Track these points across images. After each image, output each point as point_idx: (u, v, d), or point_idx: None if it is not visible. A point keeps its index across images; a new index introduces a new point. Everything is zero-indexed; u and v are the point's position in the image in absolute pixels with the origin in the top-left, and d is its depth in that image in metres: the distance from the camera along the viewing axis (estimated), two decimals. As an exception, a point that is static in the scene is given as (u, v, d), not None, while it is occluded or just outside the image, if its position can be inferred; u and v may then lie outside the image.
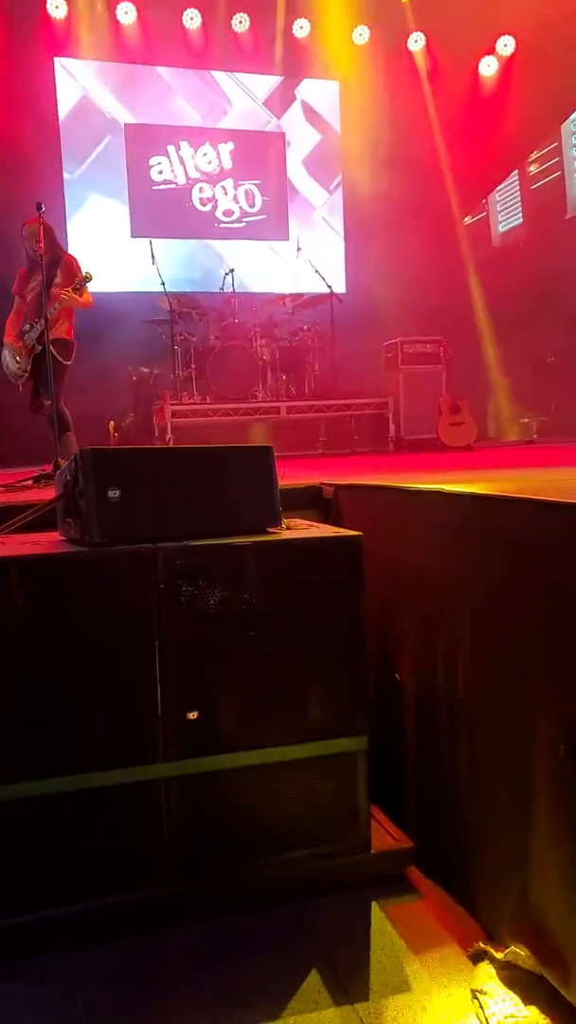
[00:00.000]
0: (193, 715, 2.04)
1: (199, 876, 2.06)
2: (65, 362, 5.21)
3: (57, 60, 8.53)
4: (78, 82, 8.69)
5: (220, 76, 9.11)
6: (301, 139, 9.46)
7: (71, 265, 5.22)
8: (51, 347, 4.87)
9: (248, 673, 2.10)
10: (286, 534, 2.24)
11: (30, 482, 4.44)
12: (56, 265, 5.11)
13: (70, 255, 5.35)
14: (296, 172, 9.46)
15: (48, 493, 3.79)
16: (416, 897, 2.11)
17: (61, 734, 1.97)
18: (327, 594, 2.15)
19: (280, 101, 9.34)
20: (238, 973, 1.83)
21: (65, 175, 8.65)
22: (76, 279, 5.05)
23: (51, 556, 2.01)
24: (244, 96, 9.25)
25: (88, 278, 5.03)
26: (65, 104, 8.66)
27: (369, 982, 1.81)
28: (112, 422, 7.58)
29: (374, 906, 2.07)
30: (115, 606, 2.01)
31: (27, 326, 5.17)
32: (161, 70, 8.88)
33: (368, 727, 2.19)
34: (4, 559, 1.94)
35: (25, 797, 1.93)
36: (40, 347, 5.03)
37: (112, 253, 8.79)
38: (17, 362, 5.20)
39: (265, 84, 9.28)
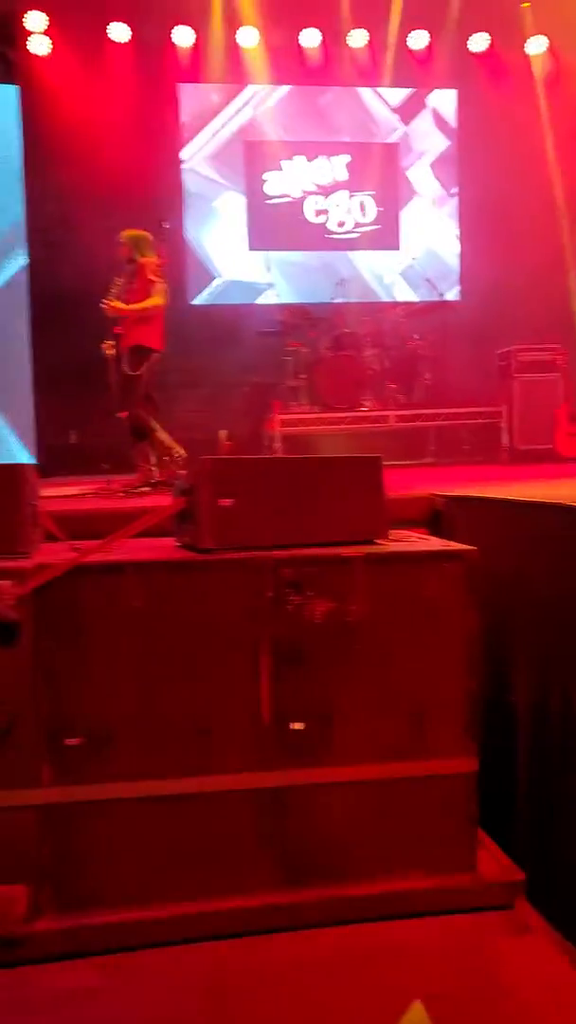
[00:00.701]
0: (298, 726, 2.05)
1: (299, 889, 2.06)
2: (131, 372, 5.04)
3: (180, 86, 8.85)
4: (199, 104, 8.99)
5: (336, 91, 9.19)
6: (416, 148, 9.41)
7: (139, 270, 5.06)
8: (124, 355, 4.93)
9: (353, 686, 2.09)
10: (395, 546, 2.22)
11: (147, 488, 4.60)
12: (129, 271, 5.06)
13: (144, 261, 5.09)
14: (410, 181, 9.41)
15: (164, 500, 3.92)
16: (524, 930, 2.02)
17: (167, 735, 2.01)
18: (438, 609, 2.11)
19: (397, 111, 9.33)
20: (333, 994, 1.80)
21: (186, 193, 8.94)
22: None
23: (165, 560, 2.07)
24: (359, 109, 9.29)
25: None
26: (187, 126, 8.96)
27: (473, 1018, 1.74)
28: (224, 432, 7.74)
29: (479, 936, 2.00)
30: (224, 612, 2.05)
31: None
32: (280, 88, 9.05)
33: (477, 749, 2.13)
34: (123, 562, 2.02)
35: (135, 798, 1.99)
36: (110, 352, 5.07)
37: (231, 267, 9.01)
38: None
39: (381, 95, 9.29)
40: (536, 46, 9.01)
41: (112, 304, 4.93)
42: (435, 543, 2.32)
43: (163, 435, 5.12)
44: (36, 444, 8.00)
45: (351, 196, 9.27)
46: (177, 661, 2.02)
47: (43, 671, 1.97)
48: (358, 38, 8.83)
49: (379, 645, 2.09)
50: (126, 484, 4.84)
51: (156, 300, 4.99)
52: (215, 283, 9.06)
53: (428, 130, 9.44)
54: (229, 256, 9.08)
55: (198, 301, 8.95)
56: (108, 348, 5.06)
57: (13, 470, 2.13)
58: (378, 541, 2.22)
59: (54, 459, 7.53)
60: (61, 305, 7.56)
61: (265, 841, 2.05)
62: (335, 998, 1.78)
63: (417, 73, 9.16)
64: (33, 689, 1.97)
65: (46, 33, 8.19)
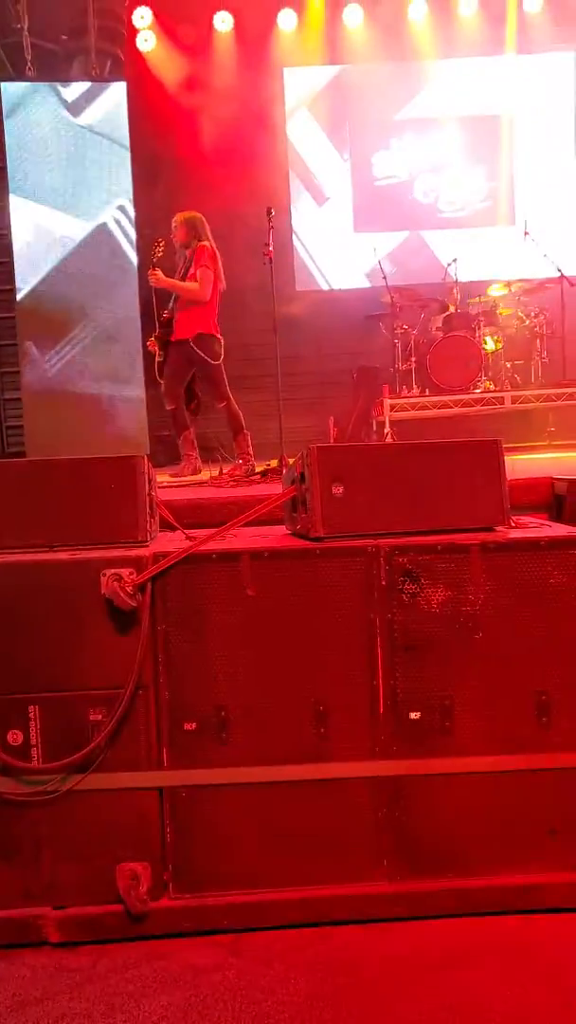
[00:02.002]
0: (415, 715, 2.01)
1: (419, 880, 2.03)
2: (213, 361, 5.02)
3: (286, 70, 8.82)
4: (304, 87, 8.93)
5: (446, 64, 8.90)
6: (531, 120, 9.00)
7: (198, 252, 5.04)
8: (194, 345, 4.93)
9: (474, 677, 2.03)
10: (515, 533, 2.13)
11: (258, 477, 4.64)
12: (191, 256, 5.05)
13: (202, 245, 5.07)
14: (524, 155, 9.01)
15: (273, 488, 3.94)
16: None
17: (282, 722, 2.02)
18: (561, 597, 2.02)
19: (509, 81, 8.94)
20: (456, 987, 1.77)
21: (291, 177, 8.93)
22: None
23: (278, 548, 2.08)
24: (471, 81, 8.96)
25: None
26: (291, 109, 8.94)
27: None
28: (332, 418, 7.72)
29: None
30: (337, 600, 2.03)
31: (165, 313, 5.17)
32: (386, 66, 8.86)
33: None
34: (237, 550, 2.03)
35: (251, 783, 2.01)
36: (167, 337, 5.08)
37: (336, 250, 8.95)
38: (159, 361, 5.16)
39: (492, 66, 8.92)
40: None
41: (155, 273, 4.96)
42: (558, 529, 2.22)
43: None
44: (148, 434, 8.23)
45: (462, 172, 8.99)
46: (291, 649, 2.03)
47: (161, 657, 2.02)
48: (469, 6, 8.52)
49: (500, 635, 2.02)
50: (230, 474, 4.90)
51: (192, 286, 4.95)
52: (321, 267, 9.03)
53: (542, 98, 9.01)
54: (336, 239, 9.01)
55: (303, 287, 8.94)
56: (151, 345, 5.14)
57: (129, 461, 2.18)
58: (498, 528, 2.14)
59: (166, 449, 7.73)
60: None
61: (383, 830, 2.03)
62: (459, 991, 1.75)
63: (530, 39, 8.74)
64: (153, 674, 2.02)
65: (151, 28, 8.36)
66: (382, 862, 2.04)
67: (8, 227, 8.07)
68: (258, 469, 4.84)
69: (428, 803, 2.04)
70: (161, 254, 5.07)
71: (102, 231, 8.17)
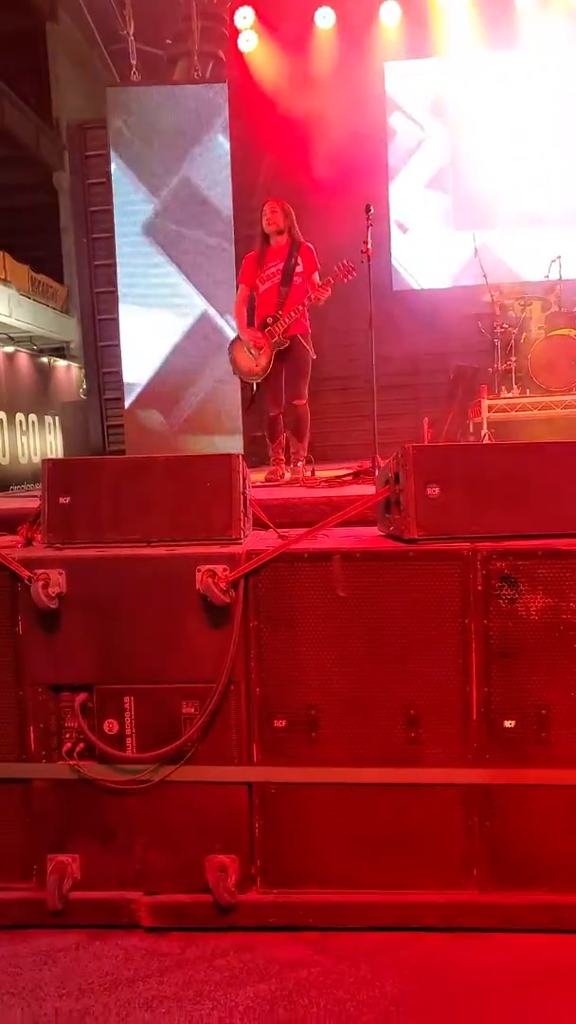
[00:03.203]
0: (510, 723, 1.96)
1: (509, 892, 1.98)
2: (314, 357, 4.94)
3: (387, 64, 8.75)
4: (407, 82, 8.83)
5: (557, 50, 8.61)
6: None
7: (311, 253, 4.92)
8: (303, 341, 4.79)
9: (572, 687, 1.96)
10: (621, 539, 2.04)
11: (350, 478, 4.62)
12: (296, 252, 4.86)
13: (307, 243, 4.96)
14: None
15: (365, 488, 3.92)
16: None
17: (372, 724, 2.01)
18: None
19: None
20: (543, 1006, 1.72)
21: (391, 174, 8.85)
22: (317, 271, 4.83)
23: (371, 550, 2.06)
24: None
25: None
26: (393, 104, 8.85)
27: None
28: (427, 419, 7.61)
29: None
30: (431, 604, 2.00)
31: (270, 319, 4.86)
32: (494, 55, 8.65)
33: None
34: (330, 550, 2.03)
35: (339, 783, 2.01)
36: (287, 342, 4.83)
37: (435, 248, 8.82)
38: (254, 357, 4.88)
39: (604, 50, 8.59)
40: None
41: (324, 290, 4.76)
42: None
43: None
44: (243, 434, 8.34)
45: (567, 168, 8.69)
46: (383, 651, 2.01)
47: (252, 653, 2.05)
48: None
49: (601, 646, 1.94)
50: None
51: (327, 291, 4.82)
52: (420, 265, 8.91)
53: None
54: (435, 237, 8.88)
55: (400, 286, 8.85)
56: (260, 343, 4.86)
57: (225, 460, 2.21)
58: (601, 533, 2.06)
59: (259, 450, 7.81)
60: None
61: (474, 838, 1.99)
62: (546, 1010, 1.69)
63: None
64: (244, 670, 2.04)
65: (253, 28, 8.46)
66: (472, 871, 2.00)
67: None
68: (349, 471, 4.82)
69: (521, 814, 1.98)
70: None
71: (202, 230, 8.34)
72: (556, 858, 1.97)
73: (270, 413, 5.07)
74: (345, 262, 4.81)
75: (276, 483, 4.81)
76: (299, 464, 5.02)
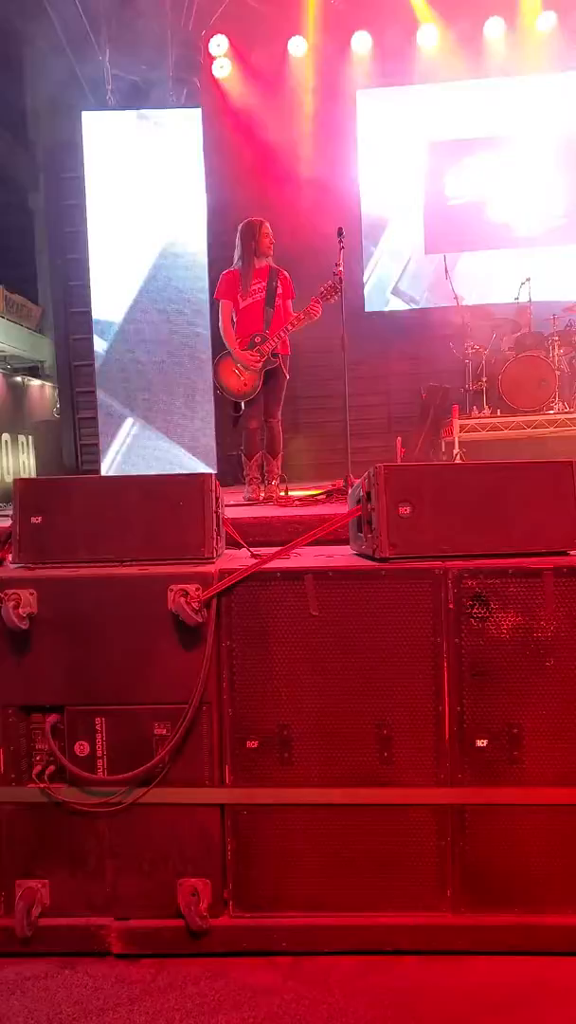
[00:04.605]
0: (482, 743, 1.96)
1: (482, 913, 1.97)
2: (288, 377, 5.03)
3: (359, 92, 8.90)
4: (379, 110, 8.99)
5: (524, 80, 8.83)
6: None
7: (289, 281, 5.02)
8: (284, 362, 4.84)
9: (544, 706, 1.97)
10: (589, 558, 2.07)
11: (323, 497, 4.64)
12: (276, 276, 4.96)
13: (283, 270, 5.07)
14: (602, 169, 8.85)
15: (338, 507, 3.94)
16: None
17: (345, 745, 2.00)
18: None
19: (586, 97, 8.81)
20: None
21: (362, 199, 8.97)
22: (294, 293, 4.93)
23: (343, 568, 2.07)
24: (550, 98, 8.87)
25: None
26: (364, 131, 9.00)
27: None
28: (400, 438, 7.68)
29: None
30: (403, 623, 2.01)
31: (258, 337, 4.88)
32: (462, 84, 8.84)
33: None
34: (302, 569, 2.04)
35: (312, 804, 2.00)
36: (276, 362, 4.87)
37: (407, 271, 8.94)
38: (241, 376, 4.89)
39: (569, 81, 8.81)
40: None
41: (317, 306, 4.81)
42: None
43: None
44: (216, 455, 8.35)
45: (537, 191, 8.87)
46: (356, 670, 2.01)
47: (225, 673, 2.03)
48: (547, 21, 8.43)
49: (573, 662, 1.96)
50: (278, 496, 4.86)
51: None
52: (391, 288, 9.02)
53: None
54: (407, 260, 9.00)
55: (373, 307, 8.95)
56: (252, 363, 4.91)
57: (198, 480, 2.21)
58: (572, 552, 2.08)
59: (233, 469, 7.82)
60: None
61: (447, 859, 1.99)
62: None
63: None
64: (216, 690, 2.03)
65: (227, 55, 8.56)
66: (446, 892, 1.99)
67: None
68: (322, 490, 4.84)
69: (495, 834, 1.98)
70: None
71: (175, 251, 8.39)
72: (529, 878, 1.97)
73: (250, 427, 5.06)
74: (331, 282, 4.88)
75: (256, 503, 4.82)
76: (273, 483, 5.03)
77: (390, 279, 9.07)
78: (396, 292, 9.05)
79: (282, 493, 4.87)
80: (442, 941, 1.95)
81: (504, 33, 8.54)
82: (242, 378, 4.93)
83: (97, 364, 8.50)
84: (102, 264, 8.44)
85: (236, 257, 5.05)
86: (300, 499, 4.64)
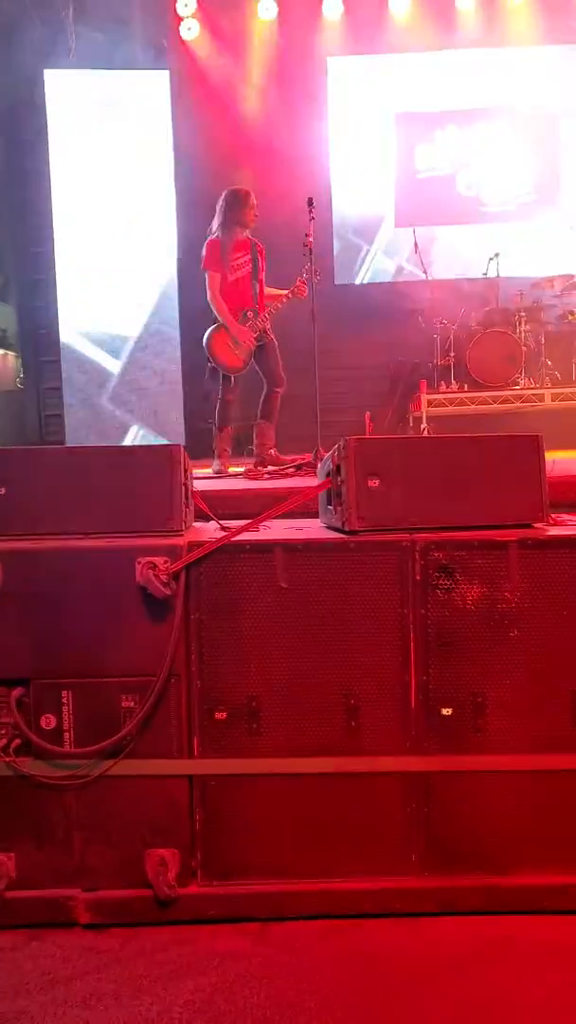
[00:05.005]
0: (448, 711, 2.00)
1: (448, 876, 2.02)
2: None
3: (329, 60, 8.75)
4: (349, 78, 8.86)
5: (494, 54, 8.75)
6: (577, 109, 8.82)
7: (262, 249, 5.02)
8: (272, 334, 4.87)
9: (508, 674, 2.01)
10: (554, 530, 2.10)
11: (292, 470, 4.64)
12: (256, 249, 4.96)
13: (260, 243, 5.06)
14: (573, 148, 8.83)
15: (308, 480, 3.94)
16: None
17: (313, 714, 2.02)
18: (601, 598, 1.99)
19: (557, 73, 8.76)
20: (481, 985, 1.76)
21: (332, 169, 8.86)
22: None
23: (312, 541, 2.07)
24: (520, 71, 8.80)
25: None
26: (335, 99, 8.87)
27: None
28: (368, 413, 7.68)
29: None
30: (371, 595, 2.02)
31: (250, 312, 4.90)
32: (433, 55, 8.74)
33: None
34: (271, 542, 2.03)
35: (280, 774, 2.02)
36: (268, 336, 4.89)
37: (376, 244, 8.88)
38: (235, 351, 4.89)
39: (540, 56, 8.76)
40: None
41: (304, 286, 4.87)
42: (597, 528, 2.18)
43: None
44: (185, 426, 8.28)
45: (507, 165, 8.85)
46: (324, 642, 2.02)
47: (193, 646, 2.03)
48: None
49: (536, 633, 2.00)
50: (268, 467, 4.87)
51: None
52: (361, 261, 8.96)
53: (591, 87, 8.82)
54: (376, 233, 8.94)
55: (342, 280, 8.89)
56: (246, 339, 4.88)
57: (166, 451, 2.19)
58: (536, 525, 2.11)
59: (203, 441, 7.77)
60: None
61: (413, 825, 2.02)
62: (486, 989, 1.73)
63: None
64: (185, 662, 2.03)
65: (195, 16, 8.35)
66: (411, 857, 2.03)
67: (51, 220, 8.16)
68: (292, 463, 4.84)
69: (459, 800, 2.02)
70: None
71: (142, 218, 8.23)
72: (494, 842, 2.02)
73: (227, 399, 5.00)
74: (314, 267, 4.88)
75: (223, 476, 4.81)
76: (272, 451, 5.02)
77: (360, 252, 9.01)
78: (365, 265, 8.99)
79: (251, 466, 4.86)
80: (407, 904, 2.00)
81: (476, 4, 8.44)
82: (236, 352, 4.88)
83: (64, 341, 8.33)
84: (66, 230, 8.25)
85: (216, 225, 4.92)
86: (270, 472, 4.63)
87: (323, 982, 1.77)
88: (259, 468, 4.82)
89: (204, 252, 4.94)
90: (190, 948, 1.91)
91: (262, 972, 1.80)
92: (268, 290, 4.99)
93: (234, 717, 2.03)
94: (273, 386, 5.03)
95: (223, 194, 4.96)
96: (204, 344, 4.93)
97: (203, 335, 4.97)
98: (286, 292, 4.94)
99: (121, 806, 2.02)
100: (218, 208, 4.95)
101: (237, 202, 4.88)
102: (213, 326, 4.92)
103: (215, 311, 4.88)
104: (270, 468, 4.79)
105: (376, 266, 8.94)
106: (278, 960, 1.85)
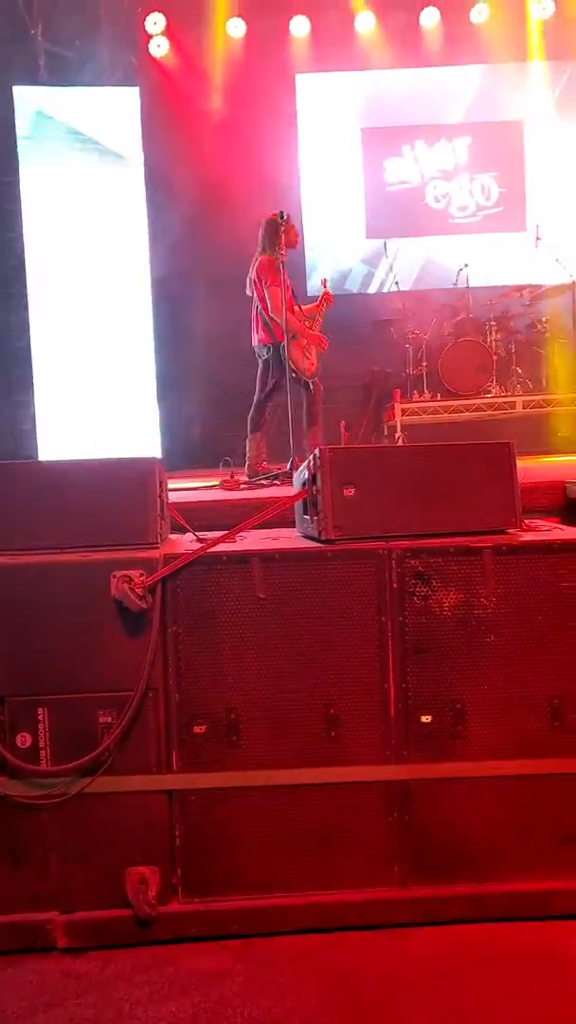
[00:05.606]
0: (427, 719, 1.99)
1: (432, 885, 2.00)
2: None
3: (298, 77, 8.83)
4: (317, 94, 8.94)
5: (457, 70, 8.90)
6: (544, 125, 8.97)
7: None
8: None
9: (486, 680, 2.01)
10: (527, 536, 2.11)
11: (269, 480, 4.63)
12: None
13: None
14: (536, 161, 8.98)
15: (285, 490, 3.93)
16: None
17: (293, 726, 2.01)
18: (574, 601, 2.00)
19: (520, 88, 8.93)
20: (467, 994, 1.75)
21: (303, 183, 8.93)
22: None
23: (289, 551, 2.06)
24: (483, 88, 8.95)
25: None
26: (305, 116, 8.94)
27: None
28: (343, 423, 7.70)
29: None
30: (348, 603, 2.02)
31: (307, 322, 5.29)
32: (399, 72, 8.86)
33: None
34: (248, 552, 2.02)
35: (261, 786, 2.00)
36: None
37: (348, 256, 8.95)
38: (308, 357, 5.24)
39: (504, 72, 8.92)
40: None
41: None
42: (570, 532, 2.20)
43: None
44: (161, 439, 8.24)
45: (473, 179, 8.97)
46: (302, 651, 2.01)
47: (171, 659, 2.01)
48: (481, 13, 8.50)
49: (512, 638, 2.00)
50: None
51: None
52: (333, 272, 9.02)
53: (554, 104, 8.99)
54: (347, 245, 9.01)
55: (314, 292, 8.93)
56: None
57: (141, 464, 2.17)
58: (510, 531, 2.12)
59: (178, 453, 7.73)
60: (183, 302, 7.77)
61: (394, 835, 2.01)
62: (467, 999, 1.72)
63: (542, 47, 8.72)
64: (162, 676, 2.01)
65: (164, 34, 8.38)
66: (393, 867, 2.02)
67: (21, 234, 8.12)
68: (269, 473, 4.85)
69: (440, 808, 2.01)
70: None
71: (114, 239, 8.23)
72: (475, 849, 2.01)
73: (270, 405, 5.25)
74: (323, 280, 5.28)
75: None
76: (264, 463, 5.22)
77: (332, 264, 9.07)
78: (338, 277, 9.05)
79: (228, 477, 4.86)
80: (390, 915, 1.98)
81: (438, 24, 8.57)
82: (310, 357, 5.19)
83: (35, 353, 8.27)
84: (35, 244, 8.22)
85: (267, 246, 5.15)
86: (247, 482, 4.62)
87: (308, 998, 1.74)
88: (254, 479, 4.90)
89: (261, 271, 5.13)
90: (172, 968, 1.87)
91: (245, 990, 1.78)
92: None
93: (213, 730, 2.01)
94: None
95: (266, 219, 5.19)
96: (284, 359, 5.11)
97: (267, 352, 5.19)
98: (317, 304, 5.32)
99: (99, 824, 1.99)
100: (264, 231, 5.19)
101: (281, 226, 5.11)
102: (283, 340, 5.09)
103: (283, 323, 5.04)
104: (246, 479, 4.79)
105: (348, 278, 9.00)
106: (262, 977, 1.83)
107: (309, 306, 5.40)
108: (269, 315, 5.05)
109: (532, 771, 2.01)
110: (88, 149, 8.18)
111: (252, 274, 5.18)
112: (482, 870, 2.01)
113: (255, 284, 5.13)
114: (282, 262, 5.03)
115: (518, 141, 8.99)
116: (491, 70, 8.91)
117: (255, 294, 5.15)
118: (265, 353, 5.21)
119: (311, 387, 5.26)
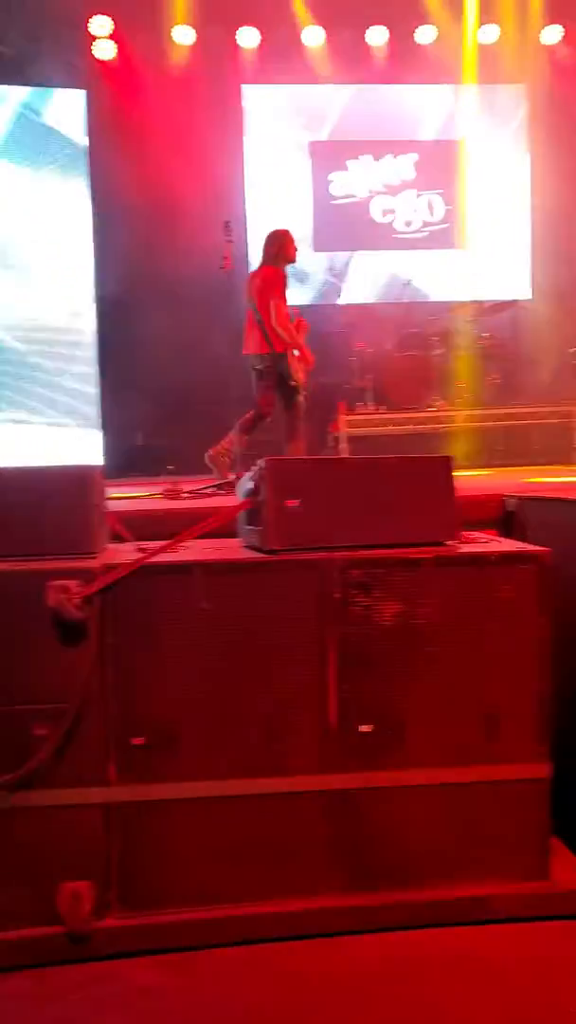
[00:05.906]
0: (366, 728, 2.01)
1: (369, 893, 2.02)
2: None
3: (244, 87, 8.87)
4: (264, 106, 9.00)
5: (404, 89, 9.08)
6: (487, 145, 9.21)
7: None
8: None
9: (423, 690, 2.04)
10: (465, 548, 2.15)
11: (213, 490, 4.61)
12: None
13: None
14: (479, 180, 9.21)
15: (229, 501, 3.92)
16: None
17: (233, 736, 2.00)
18: (510, 612, 2.05)
19: (465, 108, 9.15)
20: (403, 1000, 1.76)
21: (248, 193, 8.96)
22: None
23: (231, 561, 2.06)
24: (428, 106, 9.15)
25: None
26: (251, 127, 8.99)
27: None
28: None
29: (553, 945, 1.94)
30: (290, 614, 2.02)
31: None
32: (346, 88, 8.98)
33: (550, 756, 2.05)
34: (189, 563, 2.01)
35: (200, 798, 1.99)
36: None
37: (295, 268, 9.02)
38: (303, 370, 5.46)
39: (448, 93, 9.13)
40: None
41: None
42: (507, 545, 2.25)
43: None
44: (103, 446, 8.14)
45: (418, 195, 9.15)
46: (243, 662, 2.01)
47: (109, 670, 1.98)
48: (426, 35, 8.69)
49: (450, 648, 2.04)
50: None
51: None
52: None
53: (496, 124, 9.24)
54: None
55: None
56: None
57: (81, 472, 2.14)
58: (448, 543, 2.16)
59: (120, 461, 7.65)
60: (127, 308, 7.70)
61: (334, 844, 2.02)
62: (406, 1005, 1.74)
63: (487, 68, 8.97)
64: (100, 688, 1.98)
65: (111, 37, 8.33)
66: (335, 876, 2.02)
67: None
68: (213, 483, 4.83)
69: (380, 816, 2.03)
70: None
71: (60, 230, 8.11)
72: (414, 856, 2.04)
73: (263, 413, 5.38)
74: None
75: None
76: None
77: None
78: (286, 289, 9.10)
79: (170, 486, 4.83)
80: (331, 924, 1.98)
81: (385, 43, 8.73)
82: (303, 369, 5.44)
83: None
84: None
85: (271, 259, 5.34)
86: (190, 492, 4.59)
87: (248, 1010, 1.73)
88: (208, 463, 5.11)
89: (267, 282, 5.25)
90: (108, 985, 1.84)
91: (184, 1005, 1.76)
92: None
93: (152, 742, 1.98)
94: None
95: (273, 233, 5.39)
96: (284, 371, 5.27)
97: (261, 363, 5.33)
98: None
99: (32, 840, 1.94)
100: (267, 244, 5.37)
101: (289, 240, 5.33)
102: (282, 351, 5.27)
103: (286, 336, 5.23)
104: (188, 489, 4.76)
105: (293, 290, 9.06)
106: (202, 991, 1.81)
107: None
108: (271, 326, 5.10)
109: (469, 779, 2.04)
110: (36, 149, 8.07)
111: (255, 285, 5.20)
112: (422, 877, 2.03)
113: (259, 294, 5.15)
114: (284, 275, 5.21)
115: (462, 159, 9.21)
116: (435, 90, 9.12)
117: (256, 304, 5.18)
118: (259, 363, 5.26)
119: (296, 403, 5.37)
